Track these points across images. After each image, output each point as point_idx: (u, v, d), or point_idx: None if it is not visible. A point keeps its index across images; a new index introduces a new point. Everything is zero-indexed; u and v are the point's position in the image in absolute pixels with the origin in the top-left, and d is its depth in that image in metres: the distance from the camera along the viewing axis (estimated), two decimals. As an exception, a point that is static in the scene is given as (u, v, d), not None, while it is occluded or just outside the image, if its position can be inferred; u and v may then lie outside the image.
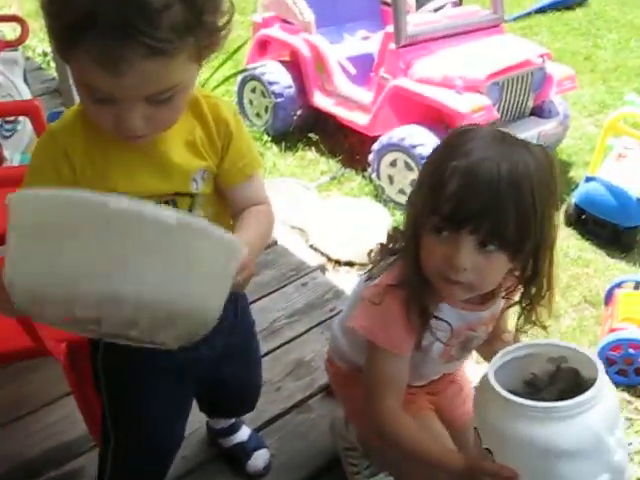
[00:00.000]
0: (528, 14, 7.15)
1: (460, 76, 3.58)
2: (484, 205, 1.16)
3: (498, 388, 1.18)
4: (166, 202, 1.21)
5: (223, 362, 1.51)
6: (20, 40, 3.31)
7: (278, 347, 2.43)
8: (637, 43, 6.65)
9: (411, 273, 1.32)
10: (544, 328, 1.40)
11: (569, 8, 7.39)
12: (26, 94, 3.22)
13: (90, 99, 1.05)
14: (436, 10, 4.27)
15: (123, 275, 0.87)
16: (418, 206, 1.28)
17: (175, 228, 0.89)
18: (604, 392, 1.15)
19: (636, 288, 3.10)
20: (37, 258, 0.89)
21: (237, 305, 1.51)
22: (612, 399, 1.18)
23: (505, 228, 1.17)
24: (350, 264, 3.30)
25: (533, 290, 1.35)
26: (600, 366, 1.20)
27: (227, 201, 1.31)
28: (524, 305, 1.39)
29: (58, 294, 0.88)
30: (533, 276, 1.32)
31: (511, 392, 1.19)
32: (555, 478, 1.13)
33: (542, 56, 3.96)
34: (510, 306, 1.46)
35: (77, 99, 3.35)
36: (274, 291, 2.69)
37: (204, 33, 1.02)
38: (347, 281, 3.04)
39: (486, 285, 1.30)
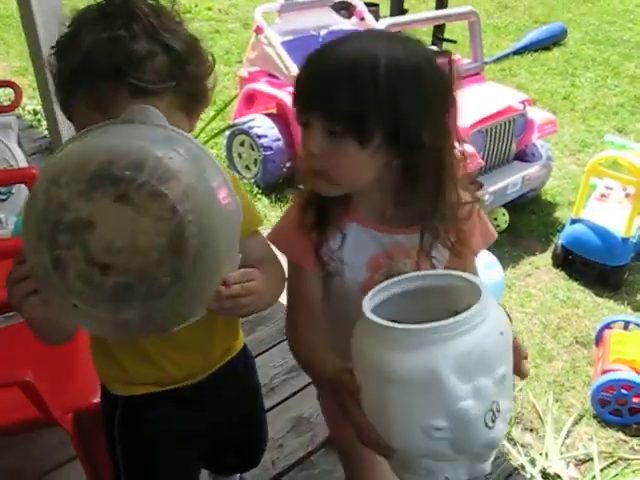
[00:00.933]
0: (506, 56, 7.32)
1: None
2: (319, 87, 1.16)
3: (365, 309, 1.10)
4: None
5: (233, 422, 1.56)
6: (14, 105, 3.38)
7: (278, 404, 2.47)
8: (614, 81, 6.82)
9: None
10: (458, 256, 1.32)
11: (546, 49, 7.57)
12: (21, 159, 3.27)
13: None
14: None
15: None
16: None
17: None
18: (466, 330, 1.02)
19: (625, 328, 3.17)
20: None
21: (246, 358, 1.58)
22: (487, 342, 1.03)
23: (338, 109, 1.13)
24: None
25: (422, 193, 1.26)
26: (483, 296, 1.07)
27: None
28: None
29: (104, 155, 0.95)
30: (417, 177, 1.23)
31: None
32: (387, 401, 1.06)
33: (523, 102, 4.07)
34: (453, 247, 1.32)
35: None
36: (272, 347, 2.73)
37: (186, 79, 1.14)
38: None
39: (341, 174, 1.22)
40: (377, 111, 1.14)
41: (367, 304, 1.12)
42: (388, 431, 1.08)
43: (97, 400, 1.81)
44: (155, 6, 1.15)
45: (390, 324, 1.05)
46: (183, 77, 1.13)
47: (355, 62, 1.13)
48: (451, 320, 1.02)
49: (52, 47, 1.15)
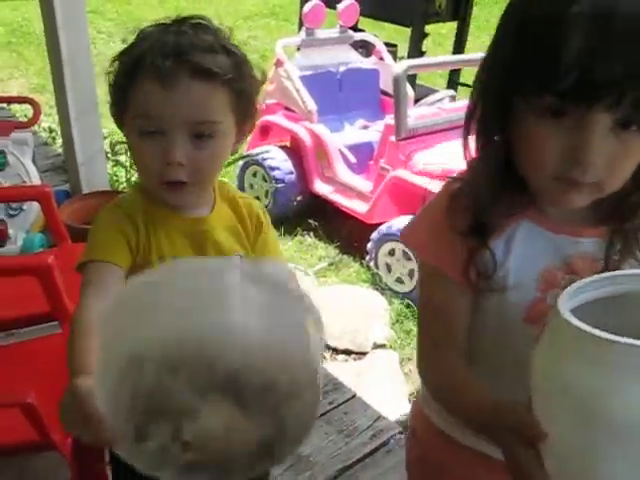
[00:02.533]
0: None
1: (459, 170, 3.66)
2: (629, 65, 0.80)
3: (565, 313, 0.75)
4: None
5: None
6: (32, 121, 3.40)
7: (278, 440, 2.43)
8: None
9: (484, 174, 0.99)
10: None
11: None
12: (34, 176, 3.28)
13: (140, 137, 1.18)
14: (434, 103, 4.41)
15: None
16: (507, 84, 0.90)
17: None
18: None
19: None
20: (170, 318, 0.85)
21: None
22: None
23: None
24: (347, 352, 3.31)
25: None
26: None
27: None
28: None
29: (202, 345, 0.83)
30: None
31: None
32: (600, 457, 0.70)
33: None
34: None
35: (82, 178, 3.40)
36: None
37: (242, 79, 1.19)
38: (345, 372, 3.05)
39: (618, 180, 0.91)
40: None
41: (564, 305, 0.77)
42: None
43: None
44: (217, 27, 1.23)
45: (619, 339, 0.69)
46: (240, 75, 1.19)
47: None
48: None
49: (114, 57, 1.22)
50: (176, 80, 1.12)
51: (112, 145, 4.04)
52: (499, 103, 0.93)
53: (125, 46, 1.21)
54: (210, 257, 1.22)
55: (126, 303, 0.87)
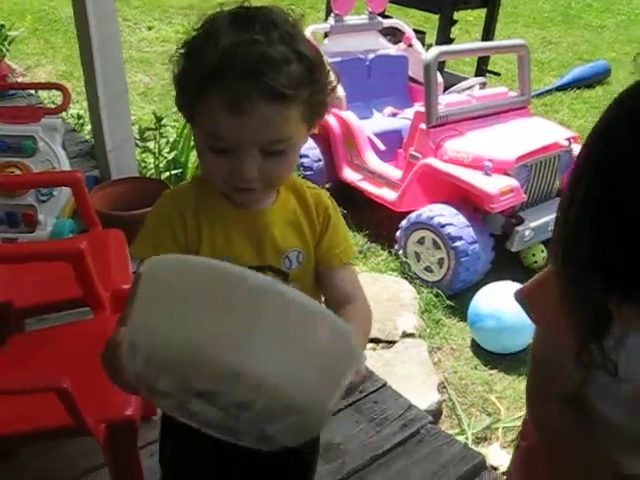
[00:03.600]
0: (549, 91, 7.26)
1: (489, 158, 3.63)
2: None
3: None
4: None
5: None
6: (62, 107, 3.40)
7: (308, 429, 2.42)
8: (657, 123, 6.72)
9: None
10: None
11: (589, 86, 7.50)
12: (64, 161, 3.28)
13: (210, 151, 1.14)
14: (464, 91, 4.36)
15: (251, 350, 0.85)
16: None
17: (315, 318, 0.89)
18: None
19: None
20: (165, 321, 0.89)
21: None
22: None
23: None
24: (376, 341, 3.29)
25: None
26: None
27: (323, 287, 1.33)
28: None
29: (182, 358, 0.86)
30: None
31: None
32: None
33: (569, 139, 4.02)
34: None
35: (112, 164, 3.40)
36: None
37: (315, 90, 1.14)
38: (373, 360, 3.04)
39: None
40: None
41: None
42: None
43: (130, 413, 1.78)
44: (289, 15, 1.17)
45: None
46: (314, 87, 1.14)
47: None
48: None
49: (181, 47, 1.15)
50: (249, 105, 1.07)
51: (141, 131, 4.04)
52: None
53: (194, 37, 1.14)
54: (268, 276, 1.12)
55: (160, 277, 0.92)
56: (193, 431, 1.41)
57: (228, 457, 1.42)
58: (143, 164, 4.11)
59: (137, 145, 4.01)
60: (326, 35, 4.77)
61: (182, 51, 1.15)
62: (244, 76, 1.06)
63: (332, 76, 1.21)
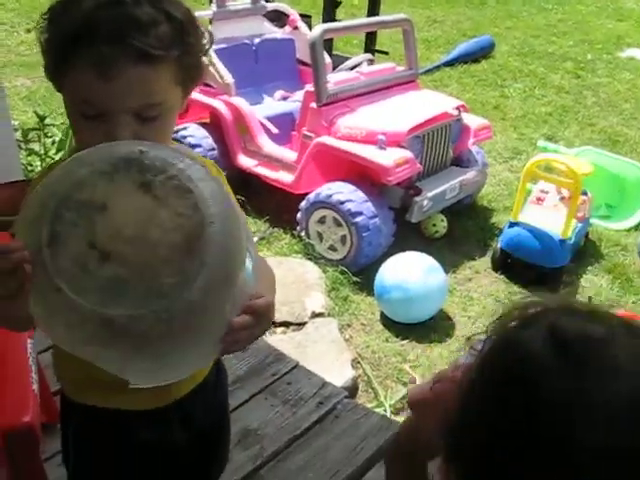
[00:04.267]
0: (437, 67, 7.40)
1: (382, 131, 3.64)
2: None
3: None
4: None
5: (197, 440, 1.46)
6: None
7: (222, 417, 2.36)
8: (541, 91, 6.97)
9: None
10: None
11: (475, 61, 7.69)
12: None
13: (82, 118, 1.09)
14: (352, 68, 4.37)
15: None
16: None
17: None
18: None
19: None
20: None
21: (219, 365, 1.50)
22: None
23: None
24: (286, 324, 3.25)
25: None
26: None
27: None
28: None
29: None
30: None
31: None
32: None
33: (458, 108, 4.08)
34: None
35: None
36: (213, 358, 2.63)
37: (186, 51, 1.09)
38: (285, 344, 3.00)
39: None
40: None
41: None
42: None
43: (28, 419, 1.68)
44: None
45: None
46: (185, 48, 1.09)
47: None
48: None
49: (44, 14, 1.09)
50: (117, 69, 1.02)
51: (24, 133, 3.85)
52: None
53: (56, 2, 1.08)
54: None
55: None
56: (94, 421, 1.34)
57: (130, 447, 1.36)
58: (30, 167, 3.92)
59: (20, 147, 3.83)
60: (210, 22, 4.68)
61: (46, 17, 1.09)
62: (110, 39, 1.01)
63: (206, 38, 1.17)
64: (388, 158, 3.55)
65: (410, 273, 3.29)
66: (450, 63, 7.54)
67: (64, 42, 1.04)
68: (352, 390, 2.88)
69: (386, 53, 5.75)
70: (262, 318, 1.05)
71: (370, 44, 5.87)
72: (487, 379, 0.75)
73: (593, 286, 3.86)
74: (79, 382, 1.32)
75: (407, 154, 3.63)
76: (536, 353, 0.71)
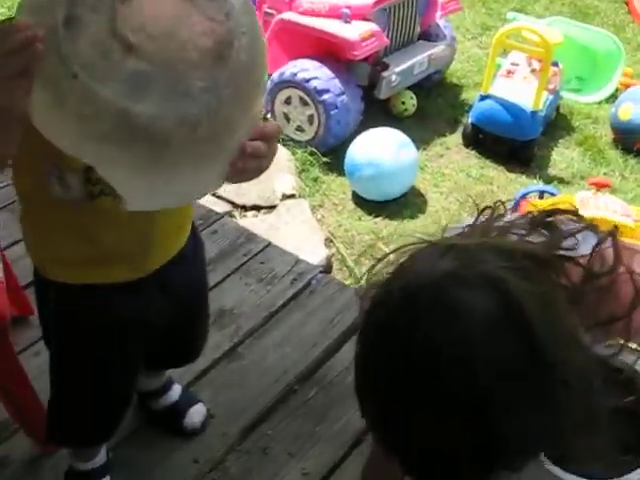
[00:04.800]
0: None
1: (346, 5, 3.47)
2: None
3: None
4: None
5: (178, 314, 1.42)
6: None
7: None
8: (509, -36, 6.72)
9: None
10: None
11: None
12: None
13: None
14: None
15: None
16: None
17: None
18: None
19: (541, 197, 3.15)
20: None
21: (196, 242, 1.47)
22: None
23: None
24: (257, 208, 3.19)
25: None
26: None
27: None
28: None
29: None
30: None
31: None
32: None
33: (424, -21, 3.91)
34: None
35: None
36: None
37: None
38: (256, 226, 2.94)
39: None
40: None
41: None
42: None
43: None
44: None
45: None
46: None
47: None
48: None
49: None
50: None
51: None
52: None
53: None
54: None
55: None
56: (72, 299, 1.29)
57: (112, 320, 1.32)
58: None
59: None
60: None
61: None
62: None
63: None
64: (353, 32, 3.40)
65: (382, 149, 3.21)
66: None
67: None
68: (327, 269, 2.85)
69: None
70: (271, 148, 0.99)
71: None
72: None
73: (565, 159, 3.82)
74: (53, 260, 1.28)
75: (373, 27, 3.48)
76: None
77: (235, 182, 0.98)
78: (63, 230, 1.21)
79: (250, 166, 0.95)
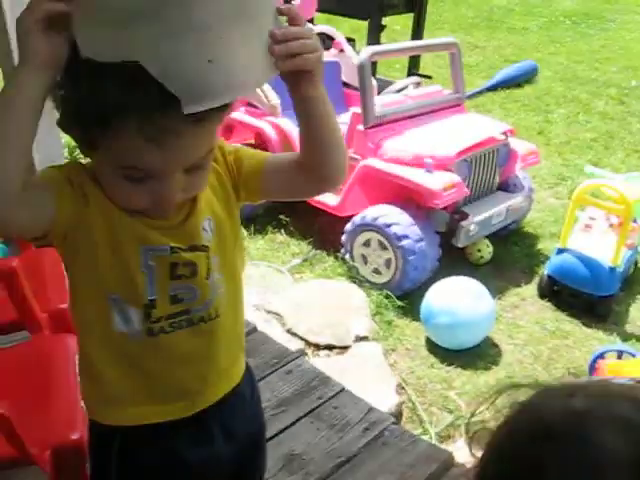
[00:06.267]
0: (480, 92, 7.36)
1: (430, 155, 3.61)
2: None
3: None
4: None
5: (238, 456, 1.42)
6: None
7: (268, 440, 2.31)
8: (585, 117, 6.88)
9: None
10: None
11: (518, 86, 7.64)
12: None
13: (125, 181, 1.02)
14: (399, 91, 4.35)
15: None
16: None
17: None
18: None
19: (619, 358, 3.08)
20: None
21: (252, 383, 1.47)
22: None
23: None
24: (329, 347, 3.22)
25: None
26: None
27: (277, 175, 1.23)
28: None
29: None
30: None
31: None
32: None
33: (505, 132, 4.04)
34: None
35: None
36: (258, 380, 2.59)
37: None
38: (329, 367, 2.96)
39: None
40: None
41: None
42: None
43: (77, 437, 1.67)
44: None
45: None
46: None
47: None
48: None
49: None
50: (176, 138, 0.96)
51: (70, 151, 3.90)
52: None
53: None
54: None
55: None
56: (136, 445, 1.29)
57: (181, 468, 1.33)
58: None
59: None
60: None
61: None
62: (164, 106, 0.90)
63: None
64: (436, 182, 3.51)
65: (458, 298, 3.23)
66: (493, 88, 7.50)
67: (106, 109, 0.92)
68: (397, 416, 2.83)
69: (429, 77, 5.75)
70: (302, 31, 1.00)
71: (413, 67, 5.88)
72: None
73: (643, 316, 3.76)
74: (108, 401, 1.26)
75: (455, 178, 3.59)
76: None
77: (285, 69, 0.99)
78: (121, 365, 1.20)
79: (293, 47, 0.97)
